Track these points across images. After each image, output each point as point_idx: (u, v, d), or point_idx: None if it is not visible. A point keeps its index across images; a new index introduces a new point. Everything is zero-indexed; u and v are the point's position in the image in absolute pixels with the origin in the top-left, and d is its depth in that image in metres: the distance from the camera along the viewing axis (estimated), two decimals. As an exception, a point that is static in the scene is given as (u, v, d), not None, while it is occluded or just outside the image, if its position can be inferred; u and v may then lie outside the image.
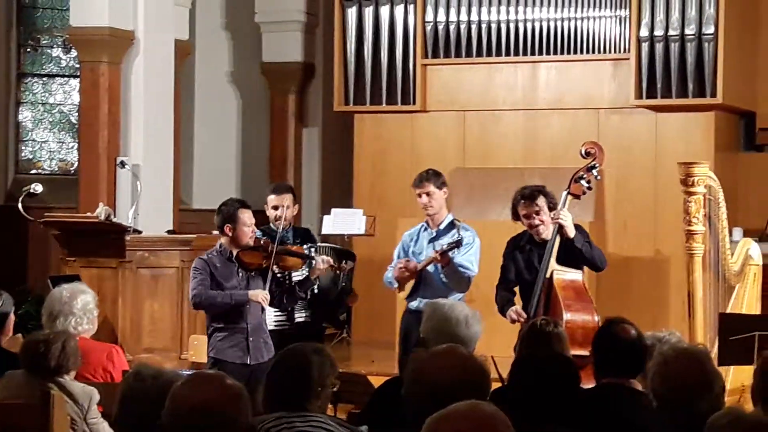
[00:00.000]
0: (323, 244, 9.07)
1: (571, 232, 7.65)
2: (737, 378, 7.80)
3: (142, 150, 12.15)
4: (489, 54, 12.63)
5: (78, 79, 13.29)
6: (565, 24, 12.33)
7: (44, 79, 15.25)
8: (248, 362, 7.70)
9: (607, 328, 5.31)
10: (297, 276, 8.21)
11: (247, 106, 15.36)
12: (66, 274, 10.12)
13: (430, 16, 12.79)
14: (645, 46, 11.83)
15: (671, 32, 11.74)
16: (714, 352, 7.20)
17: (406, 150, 12.97)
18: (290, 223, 8.54)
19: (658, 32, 11.79)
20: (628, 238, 12.10)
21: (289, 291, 8.09)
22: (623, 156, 12.00)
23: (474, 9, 12.62)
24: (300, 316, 8.46)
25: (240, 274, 7.81)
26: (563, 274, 7.66)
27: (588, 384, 5.22)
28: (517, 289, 7.94)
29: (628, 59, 12.00)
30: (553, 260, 7.64)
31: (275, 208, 8.38)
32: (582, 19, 12.27)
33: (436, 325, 5.57)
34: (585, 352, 5.72)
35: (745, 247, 8.54)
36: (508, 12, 12.51)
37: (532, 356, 4.83)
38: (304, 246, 8.31)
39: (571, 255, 7.68)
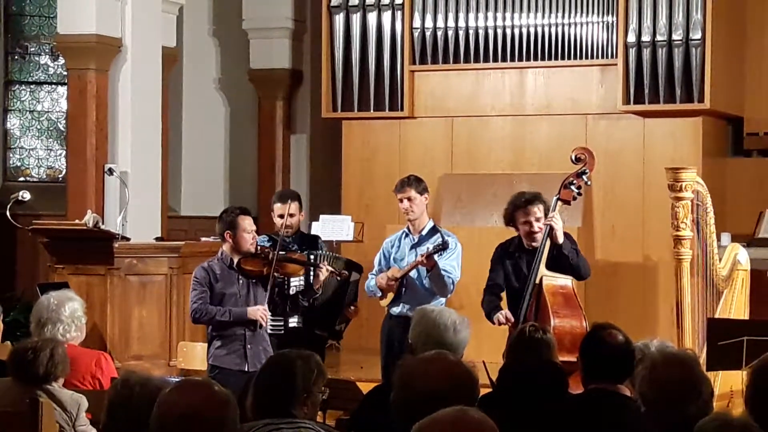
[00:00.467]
0: (333, 254, 8.95)
1: (561, 238, 7.67)
2: (726, 383, 7.80)
3: (130, 157, 12.13)
4: (477, 60, 12.66)
5: (66, 87, 13.26)
6: (553, 30, 12.35)
7: (32, 86, 15.20)
8: (246, 369, 7.68)
9: (594, 333, 5.31)
10: (295, 282, 8.20)
11: (235, 112, 15.35)
12: (54, 281, 10.09)
13: (417, 23, 12.80)
14: (632, 51, 11.86)
15: (658, 38, 11.77)
16: (702, 357, 7.21)
17: (394, 156, 12.97)
18: (296, 229, 8.50)
19: (646, 38, 11.81)
20: (616, 244, 12.12)
21: (291, 299, 8.09)
22: (611, 161, 12.01)
23: (461, 15, 12.64)
24: (292, 321, 8.44)
25: (240, 281, 7.82)
26: (553, 280, 7.66)
27: (576, 390, 5.22)
28: (504, 294, 7.94)
29: (615, 65, 12.03)
30: (542, 266, 7.66)
31: (281, 216, 8.36)
32: (569, 25, 12.30)
33: (424, 331, 5.56)
34: (573, 358, 5.72)
35: (733, 252, 8.54)
36: (495, 18, 12.53)
37: (520, 363, 4.83)
38: (305, 253, 8.28)
39: (557, 261, 7.69)
